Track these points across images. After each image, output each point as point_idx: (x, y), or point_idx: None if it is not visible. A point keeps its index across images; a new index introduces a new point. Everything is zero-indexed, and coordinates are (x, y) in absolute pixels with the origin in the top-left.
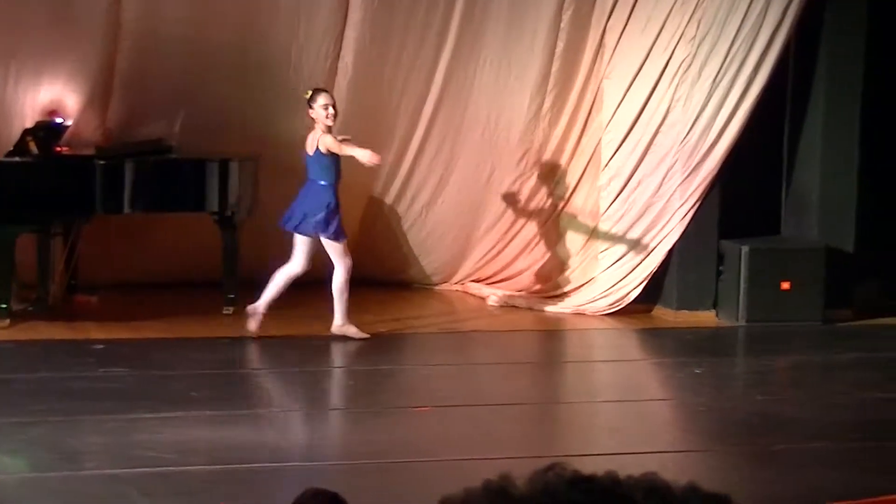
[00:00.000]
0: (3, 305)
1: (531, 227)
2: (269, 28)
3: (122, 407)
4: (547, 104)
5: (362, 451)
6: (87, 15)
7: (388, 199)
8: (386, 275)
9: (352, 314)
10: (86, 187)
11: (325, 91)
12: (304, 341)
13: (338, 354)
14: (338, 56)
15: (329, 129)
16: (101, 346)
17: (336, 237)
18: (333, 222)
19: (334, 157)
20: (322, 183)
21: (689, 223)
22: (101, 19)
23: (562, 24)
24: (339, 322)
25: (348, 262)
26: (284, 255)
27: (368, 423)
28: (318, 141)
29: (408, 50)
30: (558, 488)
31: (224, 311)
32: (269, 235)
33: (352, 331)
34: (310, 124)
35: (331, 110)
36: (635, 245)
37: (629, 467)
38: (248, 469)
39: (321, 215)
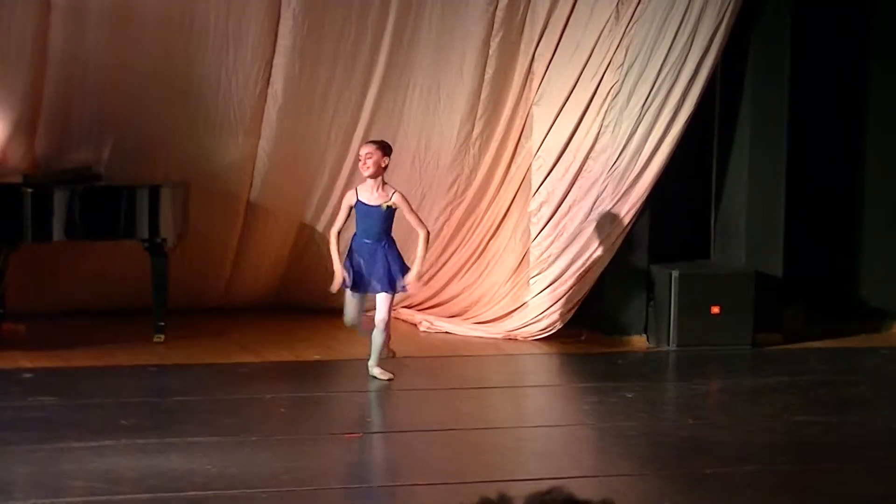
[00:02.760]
0: None
1: (462, 253)
2: (196, 54)
3: (49, 436)
4: (476, 130)
5: (289, 477)
6: (13, 43)
7: (319, 226)
8: (317, 301)
9: (283, 341)
10: (14, 215)
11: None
12: (228, 369)
13: (267, 382)
14: (267, 83)
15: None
16: (29, 375)
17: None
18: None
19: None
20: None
21: (619, 248)
22: (27, 47)
23: (490, 51)
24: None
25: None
26: (211, 283)
27: (298, 449)
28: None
29: (337, 77)
30: None
31: (155, 339)
32: (199, 263)
33: (377, 371)
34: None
35: (364, 162)
36: (566, 270)
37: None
38: (178, 497)
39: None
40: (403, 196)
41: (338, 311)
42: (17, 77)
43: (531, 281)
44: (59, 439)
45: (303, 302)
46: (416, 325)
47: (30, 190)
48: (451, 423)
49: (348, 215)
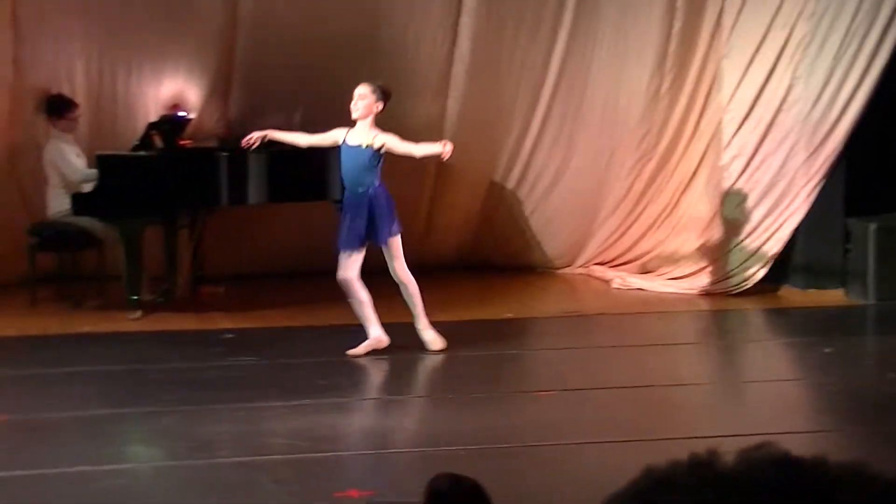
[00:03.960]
0: (134, 297)
1: (654, 209)
2: (385, 16)
3: (251, 395)
4: (665, 85)
5: (486, 435)
6: (205, 10)
7: (510, 185)
8: (508, 260)
9: (476, 300)
10: (210, 179)
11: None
12: None
13: (463, 340)
14: (454, 43)
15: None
16: (230, 336)
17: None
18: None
19: None
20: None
21: (814, 201)
22: (219, 14)
23: (678, 4)
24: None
25: None
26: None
27: (492, 407)
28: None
29: (523, 35)
30: (764, 467)
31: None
32: None
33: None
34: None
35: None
36: (759, 224)
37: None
38: (376, 455)
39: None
40: (392, 135)
41: (529, 269)
42: (211, 45)
43: (724, 236)
44: (259, 398)
45: (495, 260)
46: (608, 281)
47: (225, 154)
48: (644, 380)
49: (325, 144)
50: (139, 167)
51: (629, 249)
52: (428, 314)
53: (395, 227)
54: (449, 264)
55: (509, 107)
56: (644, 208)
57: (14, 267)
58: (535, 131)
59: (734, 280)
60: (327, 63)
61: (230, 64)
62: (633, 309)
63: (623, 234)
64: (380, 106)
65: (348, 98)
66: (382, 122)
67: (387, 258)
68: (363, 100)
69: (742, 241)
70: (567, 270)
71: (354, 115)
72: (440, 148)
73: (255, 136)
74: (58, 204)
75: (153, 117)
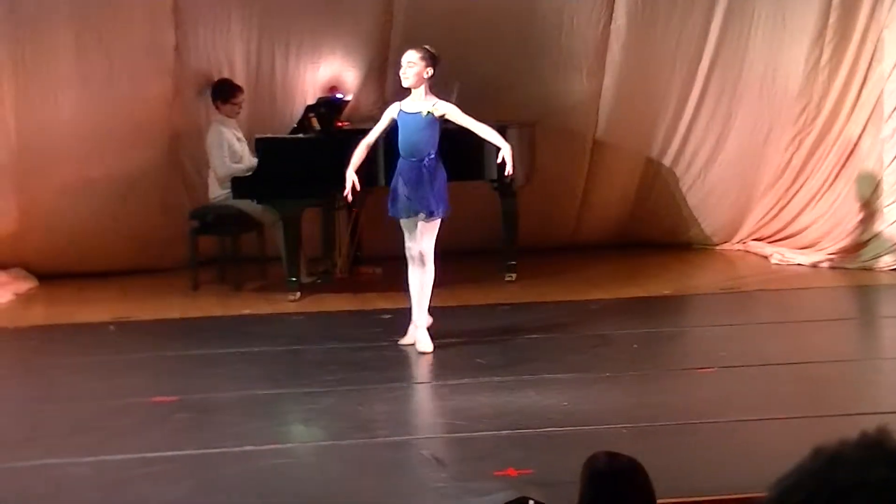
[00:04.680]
0: (293, 279)
1: (813, 183)
2: None
3: (409, 375)
4: (825, 56)
5: (644, 413)
6: None
7: (666, 161)
8: (666, 236)
9: (633, 277)
10: (368, 161)
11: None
12: (578, 306)
13: (617, 318)
14: (610, 19)
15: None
16: (388, 316)
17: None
18: None
19: None
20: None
21: None
22: None
23: None
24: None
25: None
26: (560, 222)
27: (651, 385)
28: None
29: (679, 9)
30: None
31: (506, 278)
32: (547, 202)
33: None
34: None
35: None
36: None
37: None
38: (535, 434)
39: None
40: (452, 105)
41: (686, 246)
42: (367, 27)
43: (885, 209)
44: (418, 378)
45: (651, 237)
46: (767, 257)
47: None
48: (804, 357)
49: (387, 128)
50: (298, 150)
51: (788, 224)
52: (582, 292)
53: (442, 208)
54: (605, 242)
55: (665, 83)
56: (803, 183)
57: (177, 251)
58: (692, 107)
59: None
60: (483, 42)
61: (386, 45)
62: (793, 284)
63: (782, 208)
64: (430, 71)
65: (505, 76)
66: (539, 102)
67: (418, 232)
68: (412, 67)
69: None
70: (725, 246)
71: (405, 83)
72: (507, 148)
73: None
74: (218, 187)
75: (311, 100)
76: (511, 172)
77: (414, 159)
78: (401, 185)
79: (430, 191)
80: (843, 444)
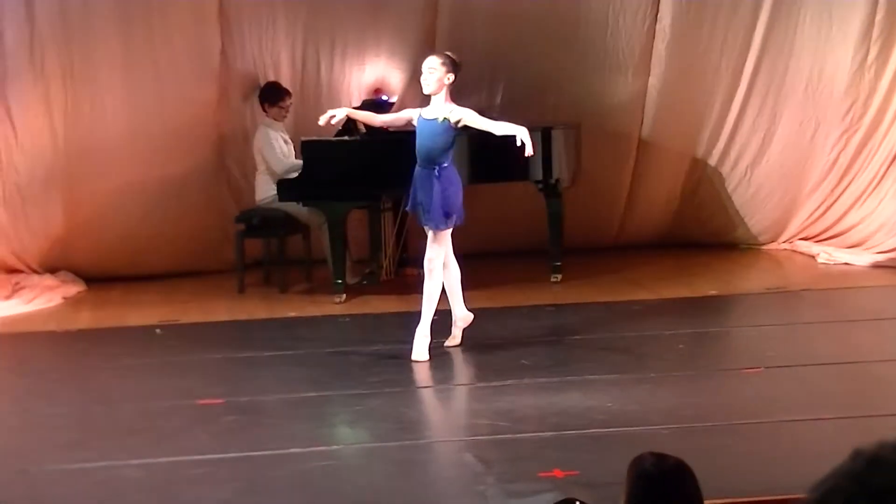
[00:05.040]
0: (339, 281)
1: (860, 182)
2: None
3: (454, 376)
4: (872, 54)
5: (690, 413)
6: None
7: (712, 161)
8: (711, 236)
9: (679, 277)
10: (413, 163)
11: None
12: (623, 307)
13: (663, 318)
14: (655, 18)
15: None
16: (434, 318)
17: None
18: None
19: None
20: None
21: None
22: None
23: None
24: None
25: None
26: (605, 222)
27: (697, 385)
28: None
29: (725, 8)
30: None
31: (552, 279)
32: (592, 202)
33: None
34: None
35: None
36: None
37: None
38: (580, 435)
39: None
40: (467, 110)
41: (732, 246)
42: (411, 28)
43: None
44: (463, 379)
45: (697, 237)
46: (814, 256)
47: None
48: (852, 356)
49: (400, 122)
50: (343, 152)
51: (835, 223)
52: (627, 293)
53: (451, 219)
54: (651, 242)
55: (711, 82)
56: (850, 181)
57: (223, 254)
58: (738, 106)
59: None
60: (528, 42)
61: (431, 47)
62: (840, 284)
63: (829, 208)
64: (451, 77)
65: (549, 77)
66: (584, 103)
67: (428, 242)
68: (433, 73)
69: None
70: (771, 246)
71: (426, 90)
72: (522, 130)
73: (333, 113)
74: (265, 190)
75: (356, 102)
76: (532, 153)
77: (428, 167)
78: (415, 192)
79: (438, 203)
80: (882, 446)
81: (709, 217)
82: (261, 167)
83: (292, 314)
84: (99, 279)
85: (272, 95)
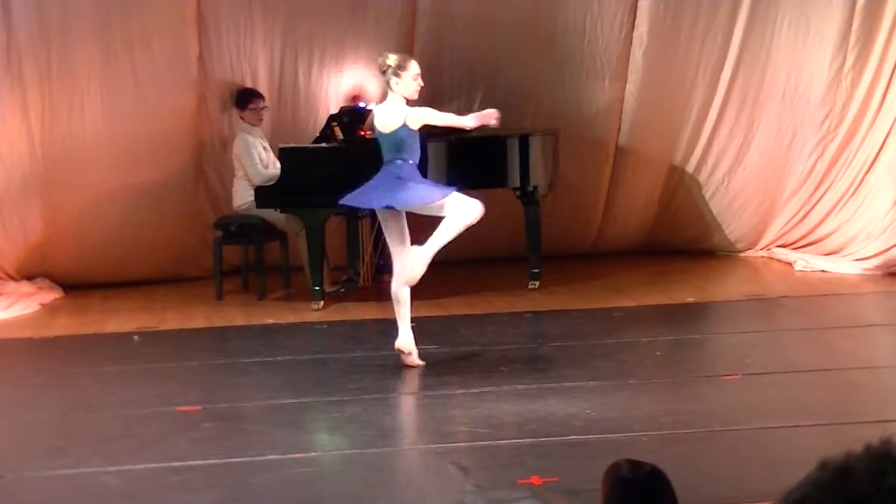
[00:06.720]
0: (317, 288)
1: (837, 189)
2: (561, 2)
3: (433, 383)
4: (849, 62)
5: (669, 420)
6: (384, 1)
7: (689, 168)
8: (689, 243)
9: (657, 284)
10: None
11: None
12: (602, 314)
13: (642, 325)
14: (633, 25)
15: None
16: (413, 325)
17: None
18: None
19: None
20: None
21: None
22: (398, 4)
23: None
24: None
25: None
26: (583, 229)
27: (675, 392)
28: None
29: (703, 15)
30: None
31: (530, 286)
32: (570, 209)
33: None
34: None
35: (420, 81)
36: None
37: None
38: (559, 442)
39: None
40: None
41: (710, 253)
42: (390, 35)
43: None
44: (442, 386)
45: (675, 244)
46: (791, 263)
47: None
48: (829, 363)
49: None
50: (321, 159)
51: (812, 231)
52: (606, 300)
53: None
54: (628, 249)
55: (688, 89)
56: (827, 189)
57: (201, 261)
58: (715, 113)
59: None
60: (506, 49)
61: (409, 52)
62: (817, 291)
63: (805, 215)
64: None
65: (528, 84)
66: (562, 109)
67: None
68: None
69: None
70: (749, 253)
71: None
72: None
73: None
74: (242, 196)
75: (334, 109)
76: (496, 122)
77: (386, 165)
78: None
79: (402, 184)
80: (850, 456)
81: (687, 224)
82: (238, 172)
83: (270, 321)
84: (76, 286)
85: (243, 100)
